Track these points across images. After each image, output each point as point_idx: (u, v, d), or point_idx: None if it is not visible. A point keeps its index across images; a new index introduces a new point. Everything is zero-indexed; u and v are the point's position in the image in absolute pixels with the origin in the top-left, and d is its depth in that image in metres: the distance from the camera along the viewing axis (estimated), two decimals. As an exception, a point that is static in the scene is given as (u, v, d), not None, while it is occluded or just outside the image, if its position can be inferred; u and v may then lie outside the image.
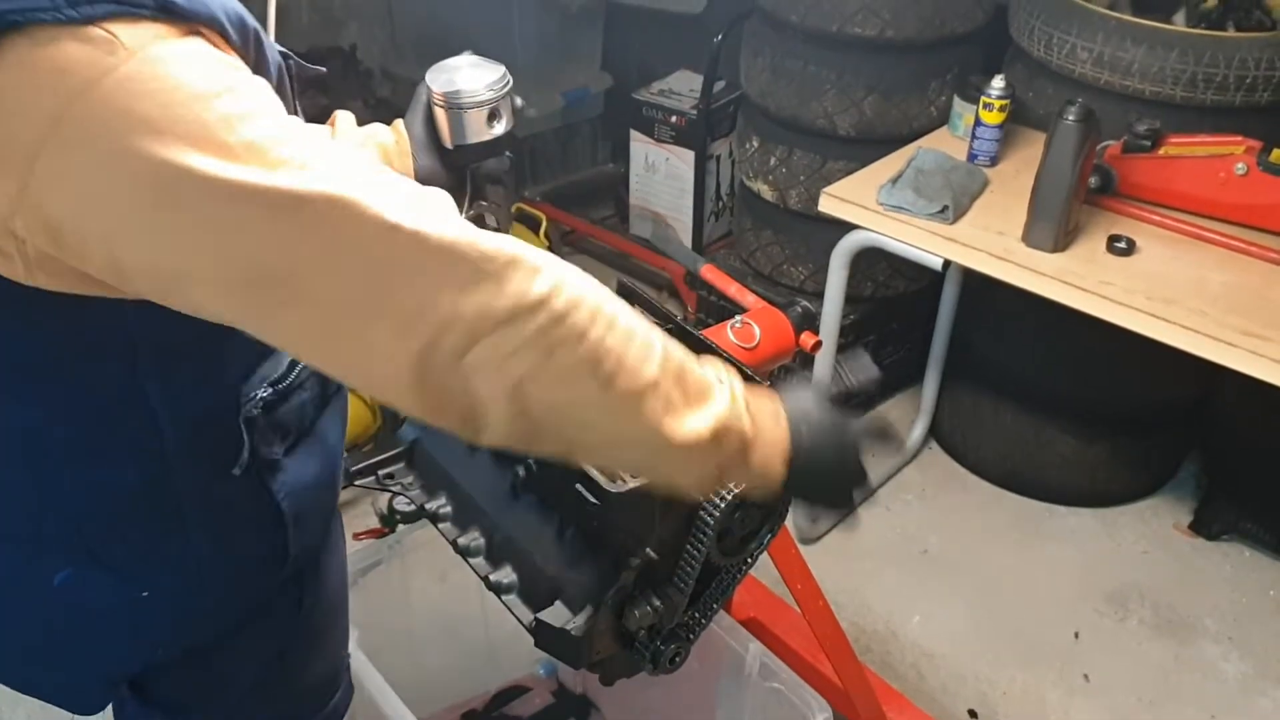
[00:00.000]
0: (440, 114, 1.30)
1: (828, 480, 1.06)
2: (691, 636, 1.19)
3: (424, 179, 1.33)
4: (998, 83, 2.38)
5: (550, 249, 3.26)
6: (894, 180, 2.35)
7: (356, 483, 1.35)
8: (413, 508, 1.33)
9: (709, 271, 1.85)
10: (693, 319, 3.25)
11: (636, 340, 0.87)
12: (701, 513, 1.09)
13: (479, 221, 1.37)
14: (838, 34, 2.71)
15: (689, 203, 3.65)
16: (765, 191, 3.04)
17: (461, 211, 1.32)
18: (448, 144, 1.31)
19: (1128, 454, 2.94)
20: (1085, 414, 2.87)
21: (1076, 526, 2.94)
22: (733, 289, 1.77)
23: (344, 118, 1.38)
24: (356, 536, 2.77)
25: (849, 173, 2.53)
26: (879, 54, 2.75)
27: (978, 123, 2.45)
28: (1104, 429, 2.88)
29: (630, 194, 3.82)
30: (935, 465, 3.13)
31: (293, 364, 1.07)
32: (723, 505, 1.08)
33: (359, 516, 2.83)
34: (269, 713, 1.27)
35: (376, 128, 1.37)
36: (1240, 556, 2.85)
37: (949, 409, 3.13)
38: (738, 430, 0.93)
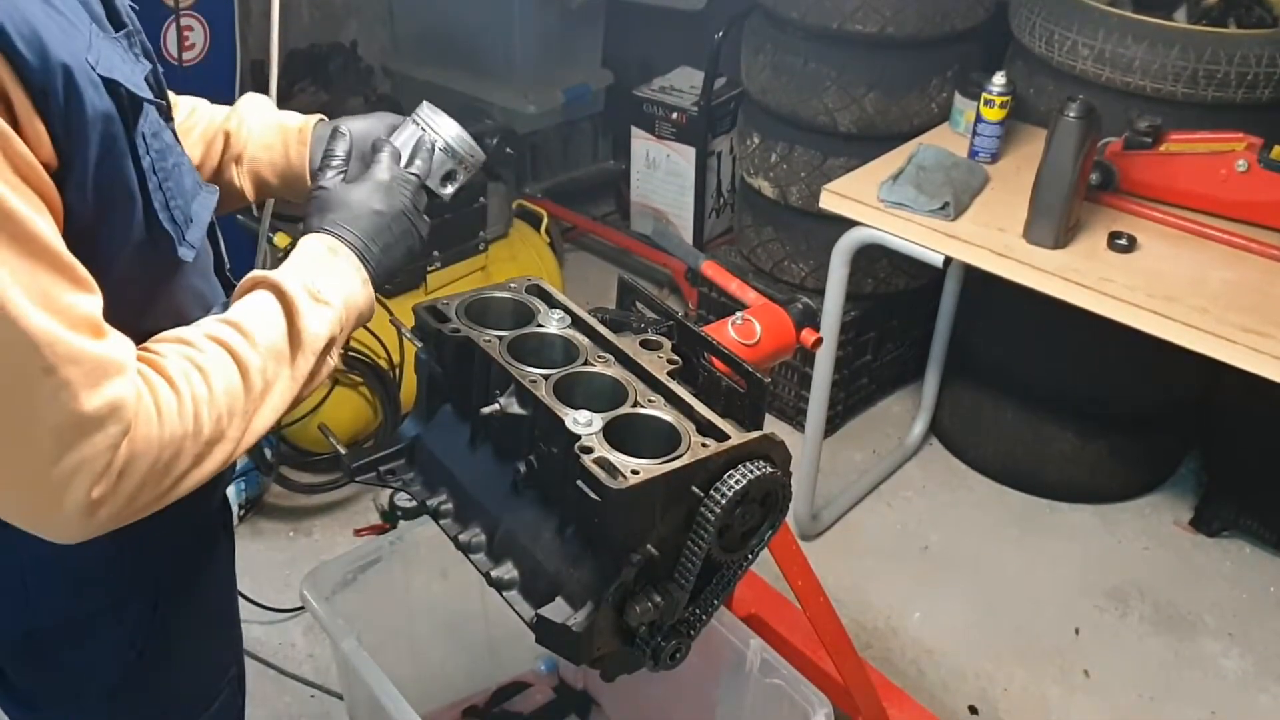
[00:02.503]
0: (411, 130, 1.26)
1: (410, 250, 1.20)
2: (692, 633, 1.19)
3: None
4: (999, 79, 2.38)
5: (551, 246, 3.27)
6: (895, 177, 2.35)
7: (357, 479, 1.35)
8: (414, 504, 1.33)
9: (710, 268, 1.85)
10: (694, 315, 3.25)
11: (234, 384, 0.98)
12: (702, 509, 1.10)
13: None
14: (838, 31, 2.71)
15: (690, 199, 3.65)
16: (766, 188, 3.04)
17: None
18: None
19: (1128, 451, 2.95)
20: (1086, 411, 2.87)
21: (1077, 523, 2.94)
22: (733, 285, 1.77)
23: (255, 99, 1.35)
24: (358, 533, 2.78)
25: (850, 169, 2.53)
26: (880, 51, 2.75)
27: (979, 119, 2.44)
28: (1104, 426, 2.88)
29: (631, 190, 3.82)
30: (936, 462, 3.13)
31: None
32: (724, 502, 1.09)
33: (360, 513, 2.84)
34: (132, 713, 1.25)
35: (289, 115, 1.34)
36: (1240, 553, 2.86)
37: (950, 406, 3.13)
38: (325, 345, 1.06)
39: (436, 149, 1.25)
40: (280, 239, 2.57)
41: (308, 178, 1.29)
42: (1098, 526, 2.93)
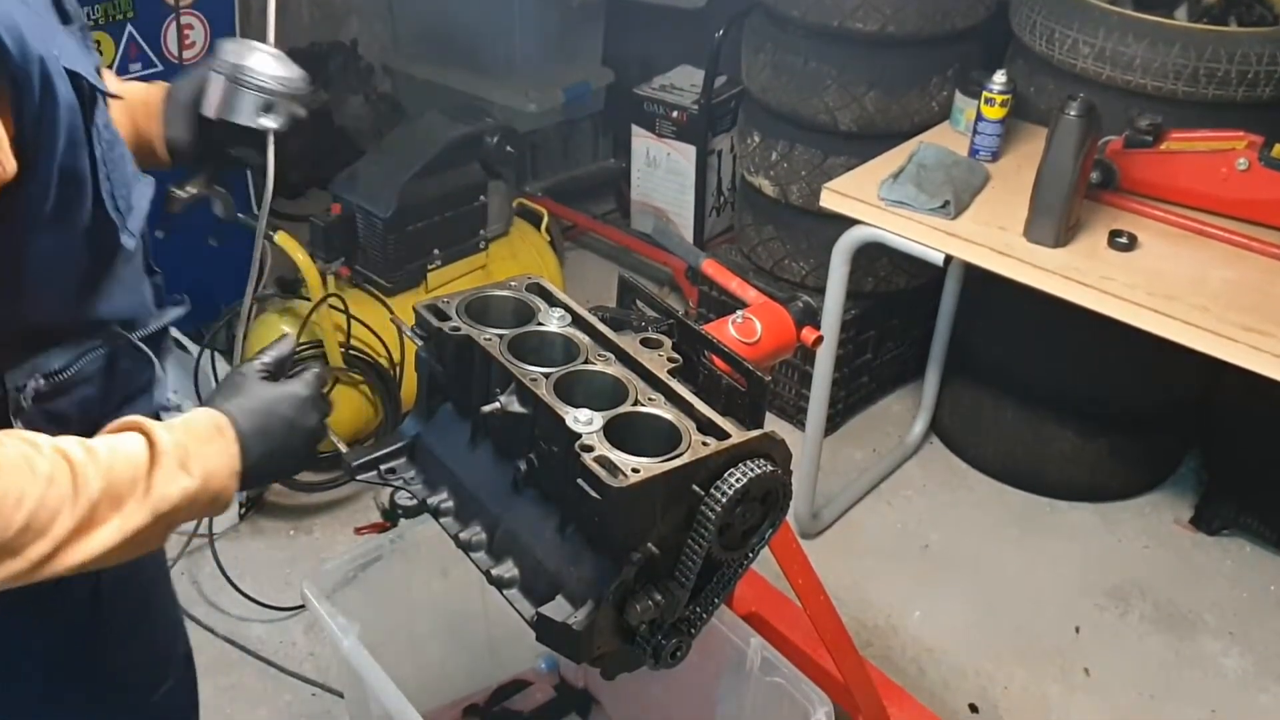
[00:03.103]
0: (218, 83, 1.27)
1: (286, 468, 1.15)
2: (693, 631, 1.19)
3: (171, 145, 1.31)
4: (999, 78, 2.38)
5: (552, 244, 3.27)
6: (895, 175, 2.35)
7: (358, 478, 1.35)
8: (414, 502, 1.33)
9: (710, 267, 1.85)
10: (694, 314, 3.25)
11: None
12: (703, 507, 1.10)
13: (203, 203, 1.35)
14: (839, 29, 2.71)
15: (690, 198, 3.65)
16: (766, 187, 3.04)
17: (196, 187, 1.31)
18: (211, 114, 1.27)
19: (1128, 450, 2.95)
20: (1086, 410, 2.87)
21: (1077, 522, 2.94)
22: (734, 284, 1.77)
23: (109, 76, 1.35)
24: (358, 531, 2.78)
25: (850, 168, 2.53)
26: (880, 49, 2.74)
27: (979, 118, 2.44)
28: (1105, 425, 2.88)
29: (632, 189, 3.82)
30: (936, 461, 3.13)
31: (73, 358, 1.08)
32: (724, 500, 1.09)
33: (360, 511, 2.84)
34: (81, 695, 1.27)
35: (133, 86, 1.34)
36: (1240, 552, 2.86)
37: (950, 405, 3.13)
38: (167, 510, 0.99)
39: (246, 90, 1.26)
40: (281, 238, 2.57)
41: (159, 147, 1.30)
42: (1098, 525, 2.93)
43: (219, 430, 1.05)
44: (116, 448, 0.98)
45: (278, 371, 1.16)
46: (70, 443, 0.95)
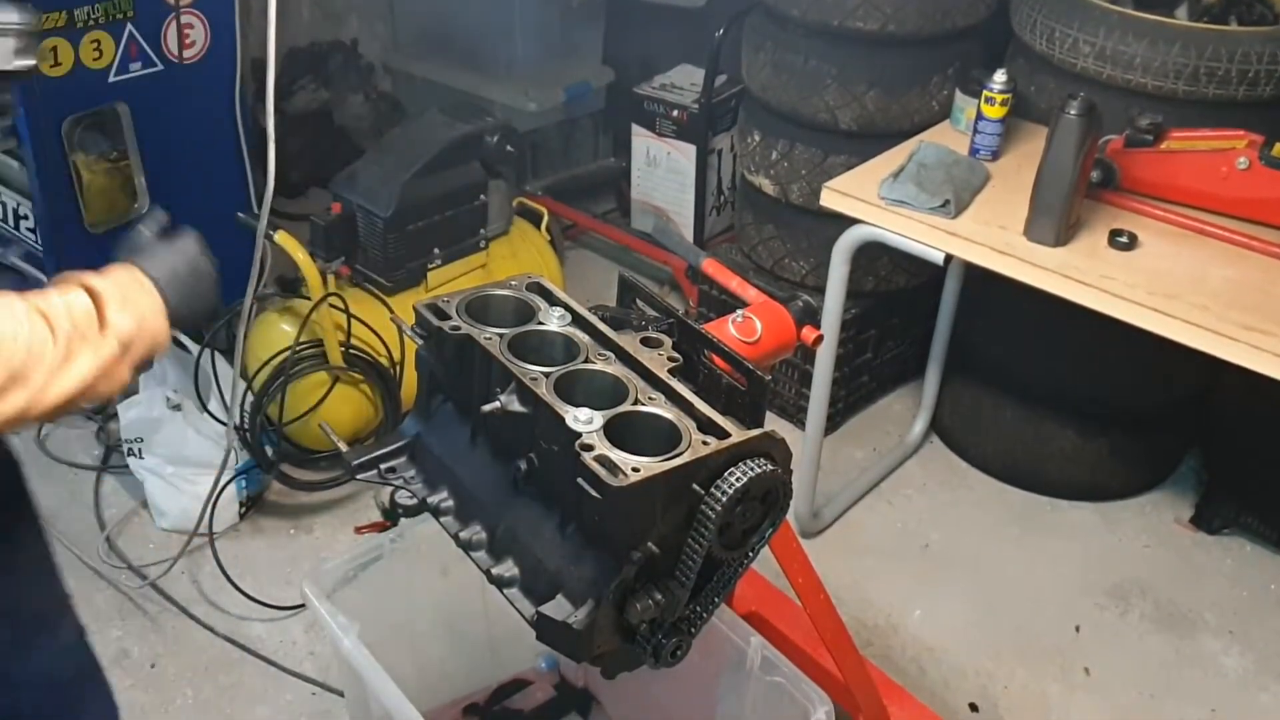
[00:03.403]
0: None
1: (201, 308, 1.31)
2: (693, 630, 1.19)
3: None
4: (999, 77, 2.38)
5: (552, 243, 3.27)
6: (895, 174, 2.35)
7: (359, 476, 1.35)
8: (414, 502, 1.33)
9: (710, 266, 1.85)
10: (694, 313, 3.25)
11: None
12: (703, 507, 1.10)
13: None
14: (839, 28, 2.71)
15: (690, 197, 3.65)
16: (767, 186, 3.04)
17: None
18: None
19: (1129, 449, 2.95)
20: (1086, 409, 2.87)
21: (1078, 521, 2.94)
22: (734, 283, 1.77)
23: None
24: (359, 530, 2.78)
25: (850, 167, 2.53)
26: (880, 48, 2.74)
27: (979, 117, 2.44)
28: (1105, 424, 2.88)
29: (632, 188, 3.82)
30: (936, 460, 3.13)
31: None
32: (724, 500, 1.09)
33: (360, 511, 2.84)
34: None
35: None
36: (1241, 551, 2.86)
37: (950, 404, 3.13)
38: (126, 341, 1.16)
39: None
40: (281, 237, 2.57)
41: None
42: (1098, 524, 2.93)
43: (138, 281, 1.22)
44: (67, 297, 1.12)
45: (163, 234, 1.32)
46: (28, 295, 1.09)
